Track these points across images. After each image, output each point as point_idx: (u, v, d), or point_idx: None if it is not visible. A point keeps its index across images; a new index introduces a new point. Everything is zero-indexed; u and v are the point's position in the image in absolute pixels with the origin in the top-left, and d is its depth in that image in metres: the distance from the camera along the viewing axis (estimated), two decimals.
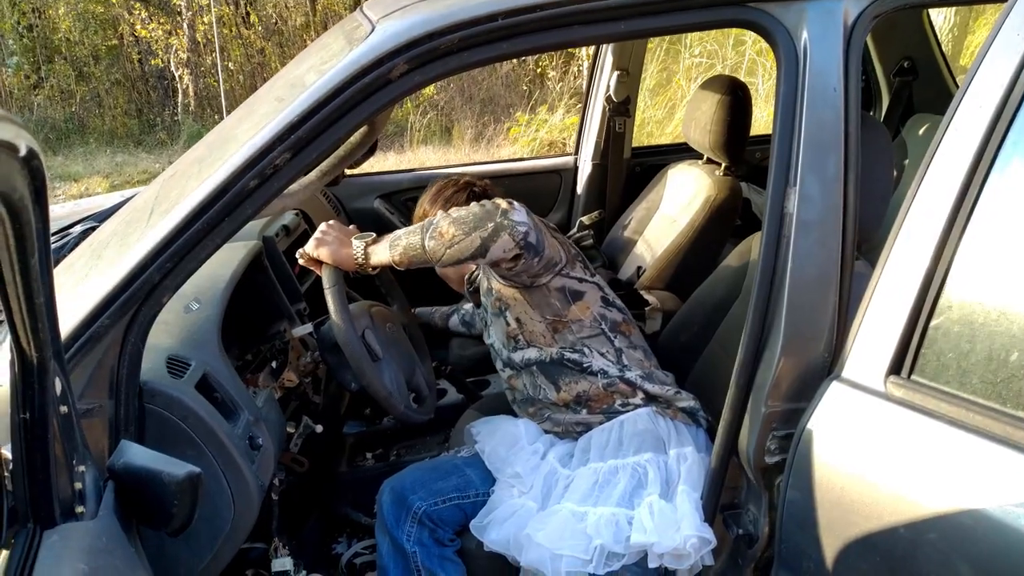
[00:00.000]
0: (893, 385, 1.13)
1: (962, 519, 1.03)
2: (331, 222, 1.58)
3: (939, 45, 2.84)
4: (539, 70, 8.27)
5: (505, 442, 1.66)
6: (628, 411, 1.59)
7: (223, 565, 1.37)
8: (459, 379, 2.28)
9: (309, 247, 1.55)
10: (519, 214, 1.43)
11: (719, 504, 1.39)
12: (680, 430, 1.58)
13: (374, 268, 1.53)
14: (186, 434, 1.25)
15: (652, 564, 1.39)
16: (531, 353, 1.64)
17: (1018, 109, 1.06)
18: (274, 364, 1.67)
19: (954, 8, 4.75)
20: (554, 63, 8.06)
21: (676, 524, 1.39)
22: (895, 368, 1.14)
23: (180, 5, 9.12)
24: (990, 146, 1.07)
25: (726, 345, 1.65)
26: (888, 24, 2.75)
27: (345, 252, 1.51)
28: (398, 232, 1.49)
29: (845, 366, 1.20)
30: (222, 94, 2.93)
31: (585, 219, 2.67)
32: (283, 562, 1.68)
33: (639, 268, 2.47)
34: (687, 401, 1.63)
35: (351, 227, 1.59)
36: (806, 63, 1.23)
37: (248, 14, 9.90)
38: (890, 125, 2.84)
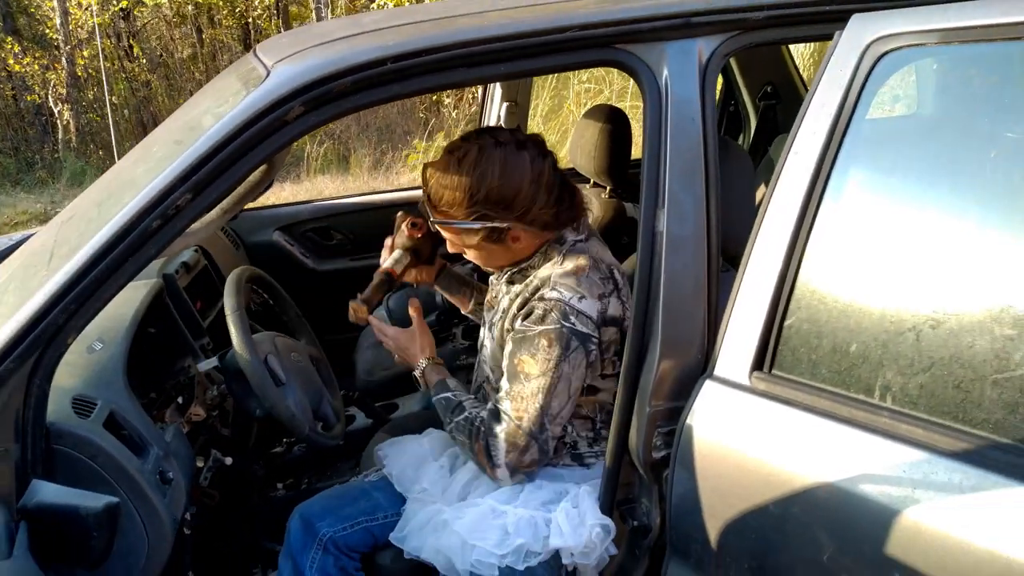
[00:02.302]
0: (757, 379, 1.27)
1: (819, 493, 1.17)
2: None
3: (798, 70, 3.11)
4: (435, 98, 8.39)
5: (412, 462, 1.70)
6: None
7: None
8: (367, 404, 2.32)
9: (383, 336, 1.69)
10: (522, 455, 1.47)
11: (615, 500, 1.50)
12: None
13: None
14: (96, 472, 1.27)
15: (565, 560, 1.47)
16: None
17: (844, 134, 1.23)
18: (180, 400, 1.68)
19: None
20: (449, 92, 8.20)
21: (582, 521, 1.47)
22: (758, 364, 1.28)
23: (57, 39, 8.79)
24: (824, 166, 1.23)
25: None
26: (751, 54, 3.00)
27: (411, 353, 1.68)
28: (459, 400, 1.58)
29: (716, 365, 1.34)
30: (111, 126, 2.89)
31: None
32: None
33: None
34: None
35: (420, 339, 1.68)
36: (668, 97, 1.37)
37: (131, 47, 9.63)
38: (759, 146, 3.08)
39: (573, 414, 1.54)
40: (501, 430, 1.47)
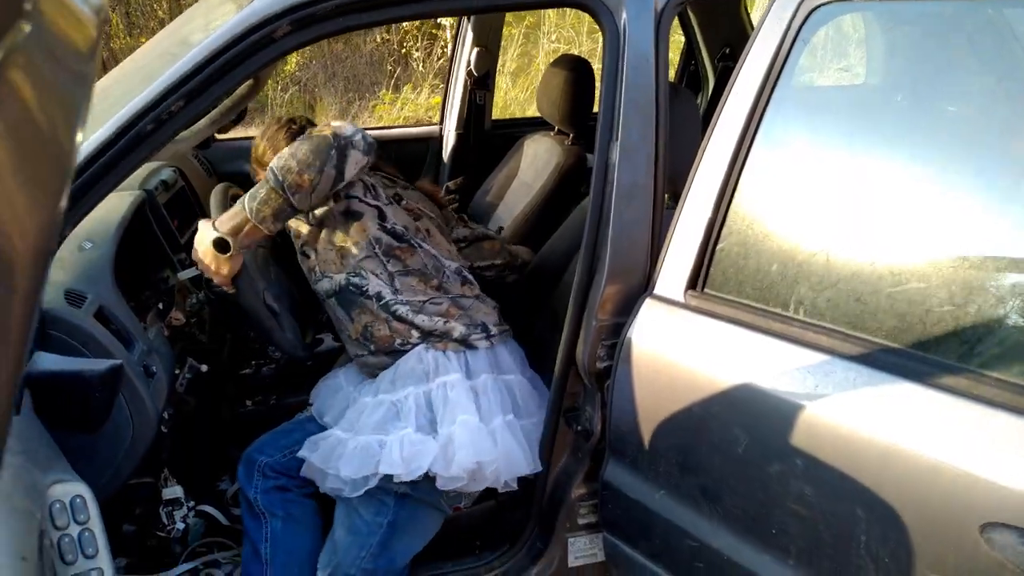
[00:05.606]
0: (690, 297, 1.43)
1: (737, 394, 1.34)
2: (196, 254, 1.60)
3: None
4: (404, 51, 8.37)
5: (330, 393, 1.86)
6: (406, 351, 1.69)
7: (120, 483, 1.50)
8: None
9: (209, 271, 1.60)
10: (348, 128, 1.55)
11: (562, 408, 1.66)
12: (448, 359, 1.68)
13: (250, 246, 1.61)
14: (86, 358, 1.38)
15: (396, 480, 1.57)
16: (325, 284, 1.73)
17: (777, 81, 1.37)
18: (160, 306, 1.78)
19: None
20: (418, 44, 8.19)
21: (429, 454, 1.56)
22: (692, 284, 1.44)
23: None
24: (757, 110, 1.38)
25: (572, 282, 1.91)
26: (712, 16, 3.13)
27: (222, 264, 1.56)
28: (250, 205, 1.52)
29: (656, 285, 1.49)
30: None
31: (451, 184, 2.90)
32: (174, 490, 1.81)
33: (499, 228, 2.73)
34: (460, 330, 1.70)
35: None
36: (625, 38, 1.50)
37: None
38: (716, 104, 3.23)
39: (357, 252, 1.69)
40: None
